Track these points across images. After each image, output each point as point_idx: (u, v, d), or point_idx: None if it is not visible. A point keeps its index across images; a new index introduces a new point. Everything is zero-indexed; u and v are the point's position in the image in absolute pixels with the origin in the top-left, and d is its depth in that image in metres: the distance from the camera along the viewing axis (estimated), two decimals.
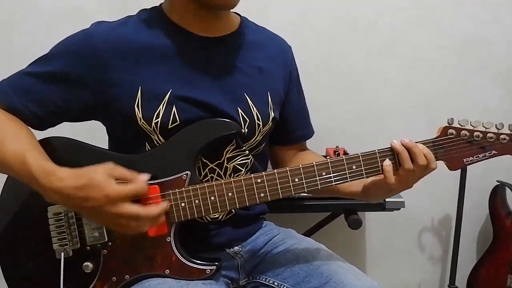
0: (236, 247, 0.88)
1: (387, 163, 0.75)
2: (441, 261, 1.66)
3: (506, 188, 1.51)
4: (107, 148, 0.89)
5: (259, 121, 0.83)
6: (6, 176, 0.79)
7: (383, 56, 1.50)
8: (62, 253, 0.74)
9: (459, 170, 1.44)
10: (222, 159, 0.82)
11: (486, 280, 1.52)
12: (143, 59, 0.77)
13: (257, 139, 0.85)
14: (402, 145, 0.74)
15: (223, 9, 0.80)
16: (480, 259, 1.54)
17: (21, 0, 1.39)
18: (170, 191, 0.74)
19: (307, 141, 1.02)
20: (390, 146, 0.76)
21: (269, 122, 0.85)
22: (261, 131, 0.85)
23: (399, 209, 1.23)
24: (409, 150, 0.74)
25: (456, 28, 1.50)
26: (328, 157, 0.77)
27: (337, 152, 1.31)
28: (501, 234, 1.49)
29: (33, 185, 0.68)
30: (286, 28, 1.44)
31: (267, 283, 0.83)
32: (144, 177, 0.69)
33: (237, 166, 0.84)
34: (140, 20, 0.81)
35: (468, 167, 1.43)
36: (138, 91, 0.76)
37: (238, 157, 0.84)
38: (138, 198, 0.69)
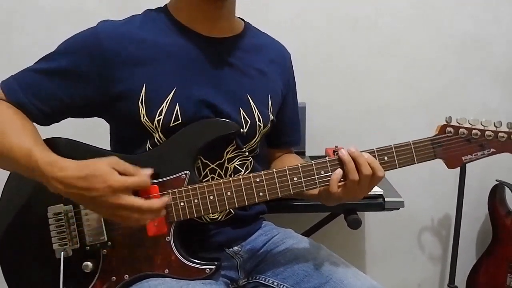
0: (236, 247, 0.88)
1: (337, 171, 0.74)
2: (441, 260, 1.66)
3: (506, 187, 1.51)
4: (109, 147, 0.89)
5: (260, 123, 0.84)
6: (6, 176, 0.79)
7: (383, 56, 1.50)
8: (62, 253, 0.74)
9: (458, 170, 1.44)
10: (223, 160, 0.82)
11: (486, 279, 1.52)
12: (148, 57, 0.78)
13: (257, 140, 0.86)
14: (349, 154, 0.73)
15: None
16: (480, 259, 1.54)
17: (21, 0, 1.39)
18: (169, 191, 0.74)
19: (307, 141, 1.03)
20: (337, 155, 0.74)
21: (269, 124, 0.86)
22: (261, 132, 0.85)
23: (398, 209, 1.23)
24: (354, 160, 0.73)
25: (456, 28, 1.50)
26: (327, 157, 0.77)
27: (336, 152, 1.31)
28: (501, 233, 1.49)
29: (38, 177, 0.68)
30: (286, 28, 1.45)
31: (267, 283, 0.83)
32: (147, 171, 0.70)
33: (238, 167, 0.84)
34: (146, 18, 0.82)
35: (467, 166, 1.43)
36: (142, 88, 0.77)
37: (238, 158, 0.84)
38: (139, 191, 0.71)
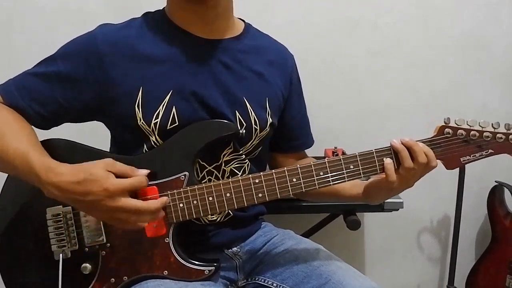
0: (235, 248, 0.88)
1: (388, 161, 0.75)
2: (440, 261, 1.66)
3: (505, 188, 1.50)
4: (109, 149, 0.89)
5: (256, 126, 0.83)
6: (4, 178, 0.79)
7: (383, 56, 1.50)
8: (61, 255, 0.74)
9: (458, 171, 1.44)
10: (220, 162, 0.82)
11: (485, 280, 1.52)
12: (145, 61, 0.78)
13: (253, 143, 0.85)
14: (402, 143, 0.74)
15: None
16: (479, 260, 1.54)
17: (21, 0, 1.38)
18: (169, 192, 0.74)
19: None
20: (389, 145, 0.76)
21: (267, 128, 0.86)
22: (258, 135, 0.85)
23: (397, 209, 1.23)
24: (409, 148, 0.74)
25: (456, 28, 1.50)
26: (326, 158, 0.77)
27: (335, 153, 1.31)
28: (500, 234, 1.49)
29: (34, 181, 0.68)
30: (287, 28, 1.45)
31: (266, 284, 0.83)
32: (143, 171, 0.70)
33: (234, 170, 0.84)
34: (144, 22, 0.82)
35: (466, 167, 1.43)
36: (139, 91, 0.77)
37: (235, 161, 0.84)
38: (137, 192, 0.70)
